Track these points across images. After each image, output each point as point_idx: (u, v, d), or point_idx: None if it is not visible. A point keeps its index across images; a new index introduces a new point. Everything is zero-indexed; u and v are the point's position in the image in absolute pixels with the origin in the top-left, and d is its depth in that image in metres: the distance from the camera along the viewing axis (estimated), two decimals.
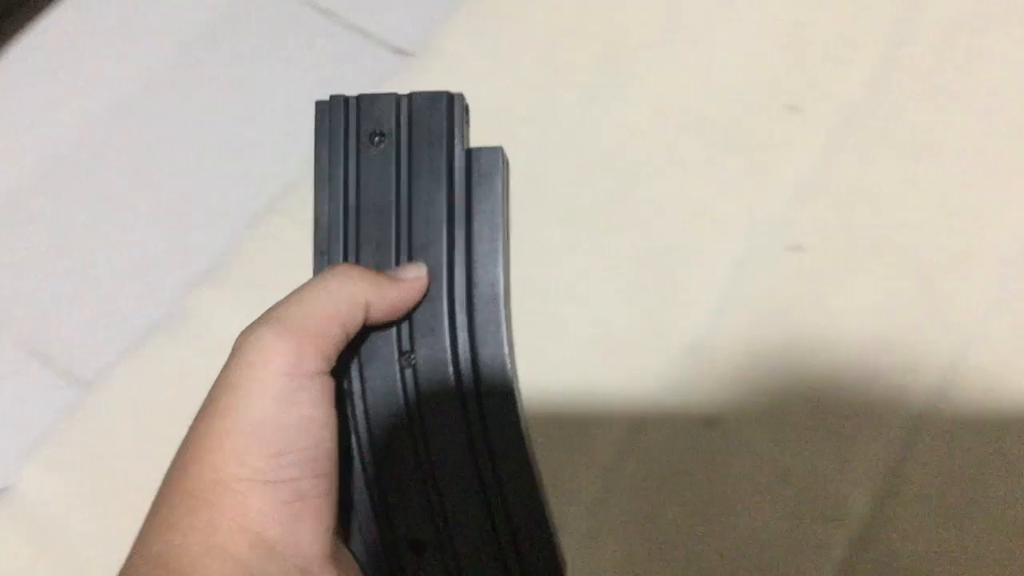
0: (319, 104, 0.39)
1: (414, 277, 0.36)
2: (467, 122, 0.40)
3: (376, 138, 0.37)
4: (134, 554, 0.31)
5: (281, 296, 0.36)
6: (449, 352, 0.36)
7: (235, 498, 0.30)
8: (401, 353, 0.36)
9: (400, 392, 0.35)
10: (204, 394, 0.33)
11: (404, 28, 0.70)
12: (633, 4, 0.64)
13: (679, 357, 0.55)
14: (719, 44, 0.63)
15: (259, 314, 0.56)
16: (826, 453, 0.52)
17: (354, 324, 0.34)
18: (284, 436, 0.31)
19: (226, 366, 0.32)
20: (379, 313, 0.35)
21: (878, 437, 0.52)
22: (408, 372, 0.36)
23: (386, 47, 0.70)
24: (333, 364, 0.33)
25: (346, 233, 0.37)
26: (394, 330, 0.36)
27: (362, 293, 0.34)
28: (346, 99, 0.38)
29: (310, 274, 0.60)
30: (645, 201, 0.59)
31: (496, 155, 0.38)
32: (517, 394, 0.36)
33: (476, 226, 0.37)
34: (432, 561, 0.34)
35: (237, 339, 0.33)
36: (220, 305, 0.59)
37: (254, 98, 0.69)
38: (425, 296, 0.36)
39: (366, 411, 0.36)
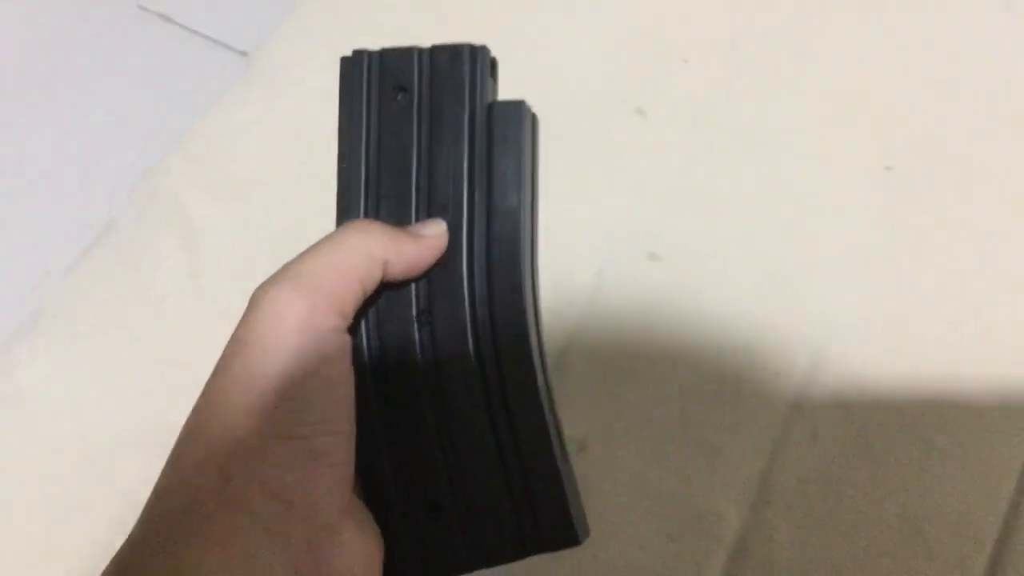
0: (344, 59, 0.37)
1: (434, 234, 0.35)
2: (494, 77, 0.39)
3: (398, 93, 0.36)
4: (147, 510, 0.30)
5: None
6: (467, 311, 0.35)
7: (251, 453, 0.29)
8: (419, 312, 0.35)
9: (417, 351, 0.35)
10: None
11: (244, 30, 0.66)
12: (474, 13, 0.62)
13: None
14: (562, 48, 0.61)
15: (82, 376, 0.52)
16: (698, 467, 0.51)
17: (372, 280, 0.33)
18: (300, 392, 0.30)
19: (241, 323, 0.31)
20: (397, 270, 0.34)
21: (747, 446, 0.51)
22: (425, 331, 0.35)
23: (229, 50, 0.65)
24: (350, 321, 0.33)
25: (367, 188, 0.36)
26: (412, 288, 0.35)
27: (380, 248, 0.33)
28: (369, 54, 0.37)
29: (138, 320, 0.55)
30: None
31: (519, 109, 0.37)
32: (536, 356, 0.35)
33: (497, 183, 0.36)
34: (447, 522, 0.34)
35: (253, 295, 0.32)
36: (35, 360, 0.54)
37: (88, 112, 0.63)
38: (445, 255, 0.35)
39: (383, 370, 0.35)
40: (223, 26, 0.66)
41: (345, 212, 0.37)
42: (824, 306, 0.54)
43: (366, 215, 0.36)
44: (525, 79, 0.60)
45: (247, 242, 0.58)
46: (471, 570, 0.34)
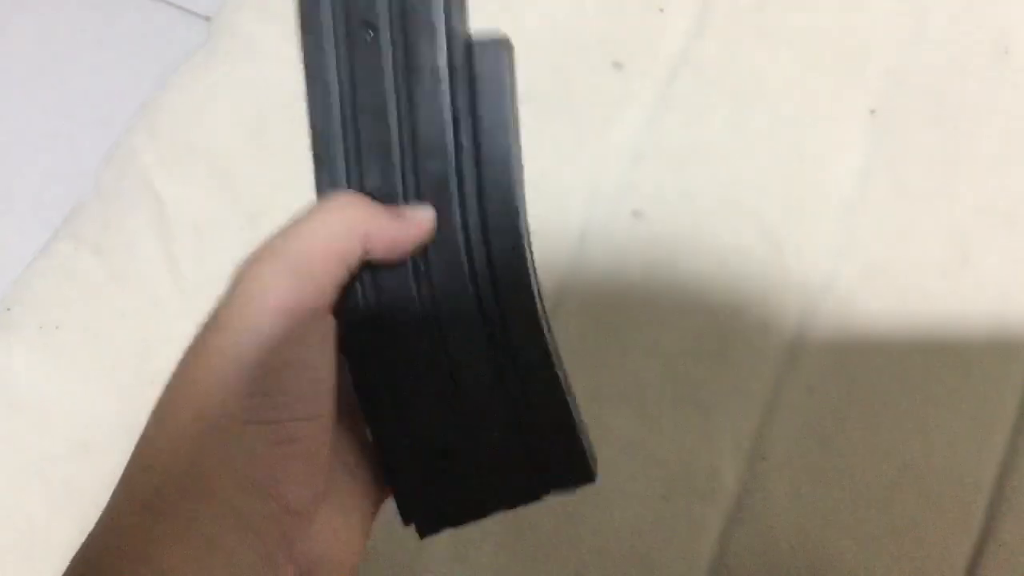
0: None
1: (421, 217, 0.33)
2: (464, 7, 0.35)
3: (366, 31, 0.33)
4: (115, 494, 0.29)
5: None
6: (465, 261, 0.34)
7: (221, 438, 0.29)
8: (415, 266, 0.34)
9: (417, 304, 0.34)
10: None
11: None
12: None
13: None
14: (533, 3, 0.59)
15: (55, 363, 0.51)
16: (691, 428, 0.50)
17: (354, 257, 0.32)
18: (276, 376, 0.29)
19: (220, 302, 0.30)
20: (379, 248, 0.32)
21: (740, 404, 0.50)
22: (424, 284, 0.34)
23: (192, 13, 0.63)
24: (333, 301, 0.32)
25: (345, 139, 0.34)
26: None
27: (361, 223, 0.32)
28: None
29: (110, 307, 0.53)
30: None
31: (500, 47, 0.34)
32: (538, 299, 0.35)
33: (484, 126, 0.34)
34: (461, 468, 0.34)
35: (235, 271, 0.31)
36: (5, 353, 0.52)
37: (46, 89, 0.61)
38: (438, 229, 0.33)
39: (383, 325, 0.34)
40: None
41: (323, 168, 0.34)
42: (813, 258, 0.53)
43: (347, 171, 0.34)
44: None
45: (220, 218, 0.56)
46: (488, 514, 0.34)
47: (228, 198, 0.56)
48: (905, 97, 0.56)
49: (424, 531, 0.34)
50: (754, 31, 0.58)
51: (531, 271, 0.35)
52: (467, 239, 0.34)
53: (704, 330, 0.52)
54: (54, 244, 0.55)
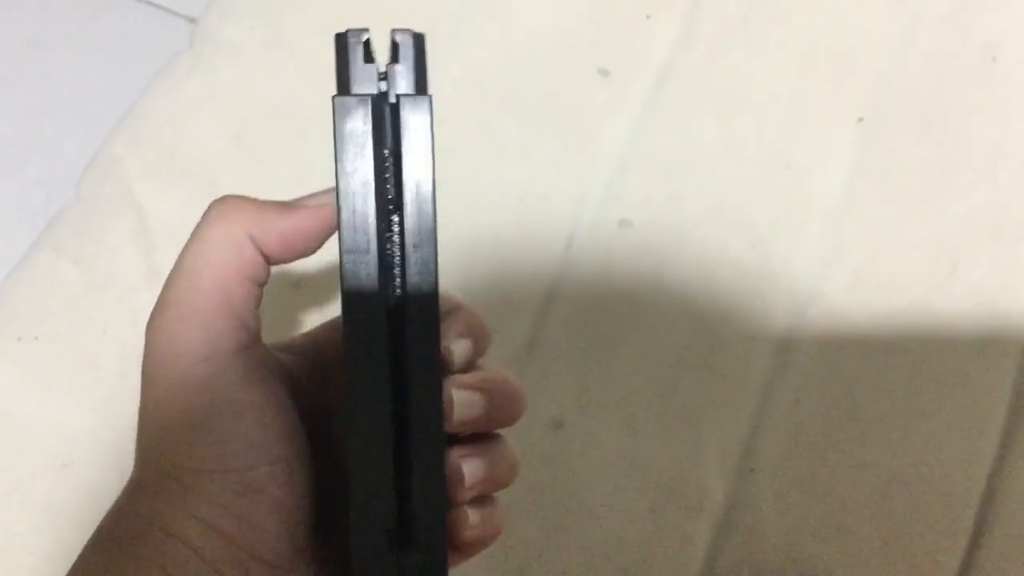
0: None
1: (319, 203, 0.31)
2: (368, 59, 0.32)
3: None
4: (94, 538, 0.29)
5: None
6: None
7: (184, 490, 0.28)
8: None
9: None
10: None
11: None
12: None
13: (518, 356, 0.51)
14: (520, 13, 0.58)
15: (35, 376, 0.50)
16: (679, 438, 0.49)
17: (252, 267, 0.29)
18: (218, 422, 0.28)
19: (144, 359, 0.29)
20: (272, 247, 0.30)
21: (728, 414, 0.50)
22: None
23: (177, 15, 0.62)
24: (254, 325, 0.30)
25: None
26: None
27: (240, 228, 0.29)
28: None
29: (91, 319, 0.53)
30: (461, 188, 0.54)
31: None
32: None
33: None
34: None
35: (146, 329, 0.29)
36: None
37: (31, 89, 0.60)
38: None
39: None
40: None
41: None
42: (801, 267, 0.53)
43: None
44: (485, 43, 0.58)
45: None
46: None
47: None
48: (893, 105, 0.56)
49: None
50: (741, 39, 0.57)
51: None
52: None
53: (691, 340, 0.51)
54: (34, 254, 0.54)
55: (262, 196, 0.51)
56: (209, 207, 0.30)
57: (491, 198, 0.54)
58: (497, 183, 0.55)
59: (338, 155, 0.29)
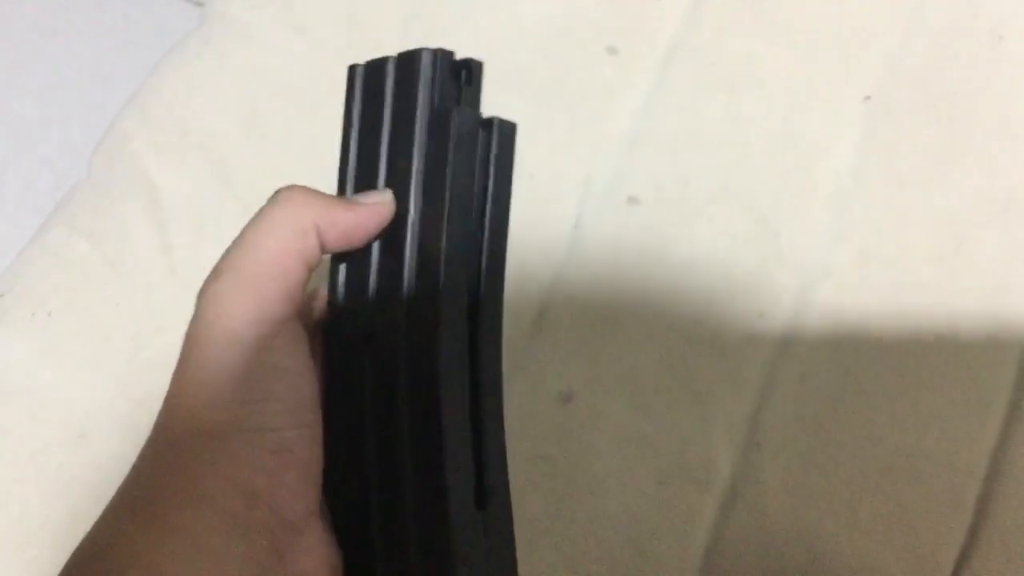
0: (351, 68, 0.37)
1: (375, 201, 0.33)
2: (470, 83, 0.39)
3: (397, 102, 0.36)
4: (112, 501, 0.30)
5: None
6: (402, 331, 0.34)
7: (218, 446, 0.29)
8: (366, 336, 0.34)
9: (367, 373, 0.34)
10: None
11: None
12: None
13: (527, 332, 0.51)
14: None
15: (49, 351, 0.51)
16: (686, 413, 0.50)
17: (311, 254, 0.32)
18: (260, 383, 0.30)
19: (192, 322, 0.31)
20: (333, 239, 0.32)
21: (735, 389, 0.50)
22: (367, 360, 0.34)
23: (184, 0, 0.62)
24: (299, 302, 0.32)
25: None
26: (360, 316, 0.34)
27: (309, 218, 0.32)
28: (381, 64, 0.37)
29: (104, 294, 0.53)
30: None
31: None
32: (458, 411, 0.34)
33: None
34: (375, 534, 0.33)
35: (199, 293, 0.31)
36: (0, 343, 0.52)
37: (42, 73, 0.60)
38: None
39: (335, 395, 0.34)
40: None
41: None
42: (808, 244, 0.53)
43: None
44: (493, 22, 0.58)
45: (214, 204, 0.56)
46: None
47: (221, 184, 0.56)
48: (900, 84, 0.56)
49: None
50: (750, 17, 0.58)
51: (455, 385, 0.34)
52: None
53: (699, 317, 0.52)
54: (47, 230, 0.55)
55: (271, 172, 0.53)
56: (277, 192, 0.33)
57: None
58: None
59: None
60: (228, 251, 0.32)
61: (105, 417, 0.50)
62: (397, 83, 0.36)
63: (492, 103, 0.57)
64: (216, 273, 0.31)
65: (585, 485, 0.49)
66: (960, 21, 0.57)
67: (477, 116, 0.38)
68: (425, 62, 0.36)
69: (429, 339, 0.33)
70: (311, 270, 0.32)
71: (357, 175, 0.36)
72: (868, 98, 0.56)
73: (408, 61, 0.36)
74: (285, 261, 0.31)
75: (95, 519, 0.29)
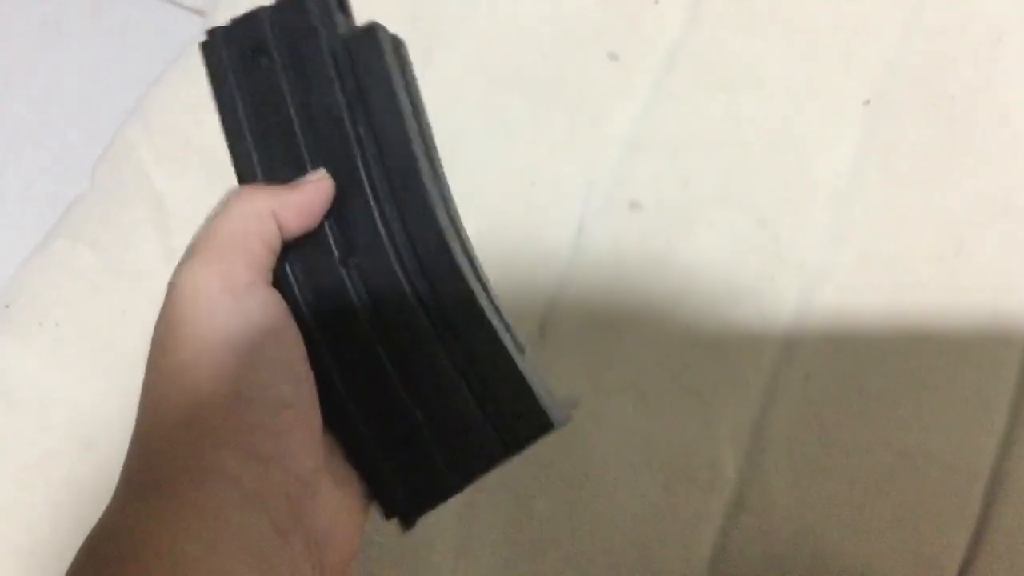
0: (203, 44, 0.37)
1: (316, 178, 0.35)
2: (345, 11, 0.38)
3: (258, 57, 0.36)
4: (119, 487, 0.30)
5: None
6: (387, 242, 0.36)
7: (219, 416, 0.30)
8: (342, 258, 0.36)
9: (352, 295, 0.35)
10: None
11: None
12: None
13: (531, 339, 0.52)
14: None
15: (56, 360, 0.52)
16: (691, 417, 0.50)
17: (271, 236, 0.34)
18: (249, 347, 0.31)
19: (165, 306, 0.32)
20: (290, 220, 0.34)
21: (739, 393, 0.50)
22: (355, 273, 0.36)
23: (183, 7, 0.62)
24: (268, 277, 0.34)
25: (261, 164, 0.36)
26: (328, 237, 0.36)
27: (264, 204, 0.34)
28: (220, 29, 0.37)
29: (110, 303, 0.53)
30: (471, 174, 0.55)
31: (373, 35, 0.36)
32: (466, 266, 0.37)
33: (375, 113, 0.36)
34: (425, 450, 0.35)
35: (169, 281, 0.32)
36: (5, 351, 0.52)
37: (41, 80, 0.61)
38: (348, 195, 0.35)
39: (324, 322, 0.35)
40: None
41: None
42: (809, 247, 0.53)
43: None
44: (494, 27, 0.58)
45: None
46: (463, 487, 0.35)
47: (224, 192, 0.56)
48: (899, 86, 0.56)
49: (407, 521, 0.35)
50: (748, 21, 0.58)
51: (456, 248, 0.36)
52: (386, 223, 0.35)
53: (702, 321, 0.52)
54: (52, 240, 0.55)
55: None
56: (228, 191, 0.34)
57: (501, 183, 0.55)
58: (507, 168, 0.55)
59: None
60: (193, 239, 0.33)
61: (111, 426, 0.51)
62: (284, 31, 0.36)
63: (494, 106, 0.57)
64: (183, 259, 0.32)
65: (590, 491, 0.49)
66: (959, 22, 0.57)
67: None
68: (321, 3, 0.36)
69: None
70: (274, 253, 0.34)
71: (265, 149, 0.36)
72: (867, 102, 0.56)
73: (289, 4, 0.36)
74: (247, 240, 0.33)
75: (102, 515, 0.29)
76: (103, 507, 0.29)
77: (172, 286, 0.32)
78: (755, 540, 0.49)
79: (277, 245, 0.34)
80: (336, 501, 0.33)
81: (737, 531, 0.49)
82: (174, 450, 0.30)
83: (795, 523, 0.48)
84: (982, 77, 0.56)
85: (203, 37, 0.37)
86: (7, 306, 0.53)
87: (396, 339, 0.35)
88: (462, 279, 0.35)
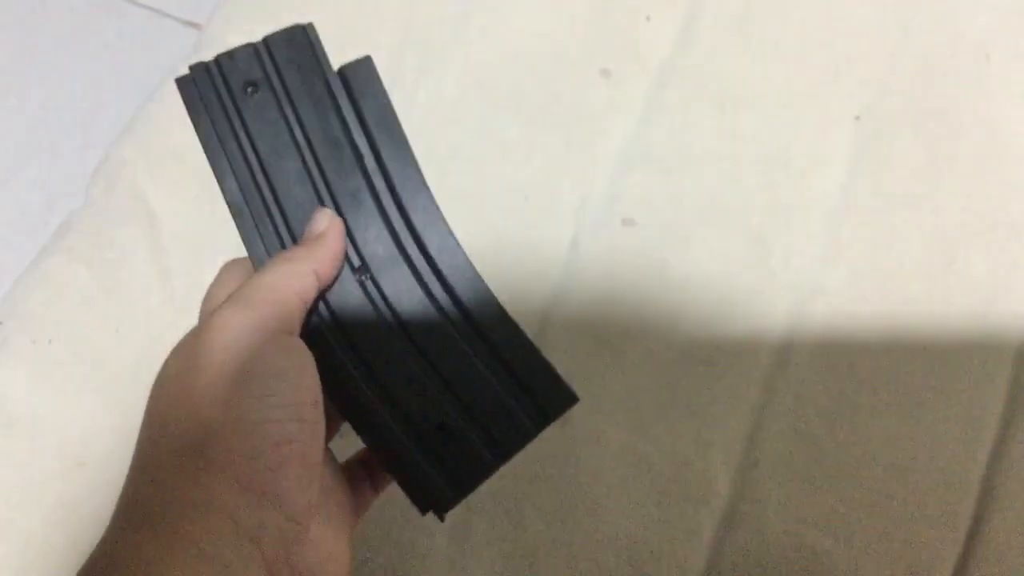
0: (180, 80, 0.37)
1: (328, 223, 0.36)
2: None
3: (250, 89, 0.38)
4: (118, 511, 0.30)
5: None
6: (397, 249, 0.37)
7: (221, 443, 0.30)
8: (355, 270, 0.37)
9: (370, 304, 0.37)
10: None
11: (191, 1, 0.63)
12: None
13: None
14: (522, 14, 0.59)
15: (49, 377, 0.52)
16: (684, 434, 0.50)
17: (309, 290, 0.35)
18: (262, 380, 0.31)
19: (188, 336, 0.33)
20: (326, 273, 0.36)
21: (732, 408, 0.51)
22: (370, 284, 0.37)
23: (178, 21, 0.62)
24: (297, 329, 0.34)
25: (263, 195, 0.38)
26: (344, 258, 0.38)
27: (307, 264, 0.35)
28: (206, 65, 0.38)
29: (103, 321, 0.53)
30: (465, 190, 0.55)
31: (368, 64, 0.39)
32: (469, 261, 0.38)
33: (376, 134, 0.38)
34: (460, 435, 0.36)
35: (200, 319, 0.34)
36: (0, 371, 0.52)
37: (34, 94, 0.61)
38: (357, 211, 0.37)
39: (348, 336, 0.37)
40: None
41: (255, 231, 0.37)
42: (800, 263, 0.54)
43: (271, 221, 0.37)
44: (487, 44, 0.59)
45: (211, 230, 0.56)
46: (498, 467, 0.36)
47: (219, 210, 0.56)
48: (889, 104, 0.57)
49: (443, 510, 0.36)
50: (740, 40, 0.58)
51: (460, 247, 0.38)
52: (393, 231, 0.37)
53: (695, 337, 0.52)
54: (45, 257, 0.55)
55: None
56: (269, 262, 0.36)
57: (495, 199, 0.55)
58: (501, 184, 0.56)
59: None
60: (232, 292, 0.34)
61: (104, 445, 0.51)
62: (288, 64, 0.38)
63: (488, 123, 0.57)
64: (220, 305, 0.33)
65: (584, 506, 0.49)
66: (947, 42, 0.58)
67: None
68: (313, 36, 0.38)
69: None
70: (307, 305, 0.35)
71: (266, 185, 0.37)
72: (858, 118, 0.56)
73: (289, 39, 0.38)
74: (284, 294, 0.34)
75: (94, 547, 0.29)
76: (95, 525, 0.29)
77: (201, 321, 0.33)
78: (748, 554, 0.49)
79: (311, 298, 0.35)
80: (326, 540, 0.34)
81: (729, 545, 0.49)
82: (172, 480, 0.30)
83: (787, 537, 0.49)
84: (970, 95, 0.57)
85: (197, 51, 0.37)
86: (1, 323, 0.53)
87: (419, 341, 0.37)
88: (479, 280, 0.37)
